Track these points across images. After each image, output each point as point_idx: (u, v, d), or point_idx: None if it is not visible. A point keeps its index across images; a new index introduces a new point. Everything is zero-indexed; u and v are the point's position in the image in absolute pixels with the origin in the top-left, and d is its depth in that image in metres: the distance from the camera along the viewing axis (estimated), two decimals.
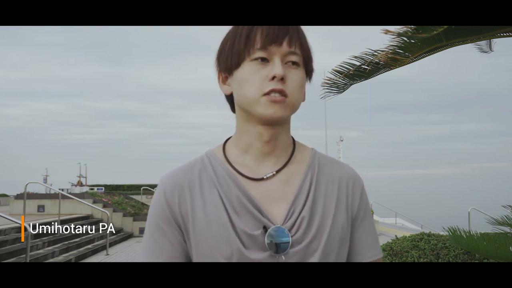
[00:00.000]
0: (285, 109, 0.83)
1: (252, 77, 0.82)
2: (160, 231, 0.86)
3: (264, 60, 0.83)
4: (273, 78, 0.81)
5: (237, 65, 0.84)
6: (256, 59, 0.83)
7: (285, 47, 0.82)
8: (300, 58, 0.85)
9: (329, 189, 0.89)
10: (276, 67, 0.81)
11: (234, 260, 0.81)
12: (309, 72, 0.89)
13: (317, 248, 0.83)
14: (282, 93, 0.81)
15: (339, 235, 0.86)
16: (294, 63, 0.84)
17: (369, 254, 0.91)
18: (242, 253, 0.80)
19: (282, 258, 0.81)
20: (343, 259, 0.87)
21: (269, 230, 0.82)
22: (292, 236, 0.82)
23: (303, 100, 0.90)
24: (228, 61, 0.86)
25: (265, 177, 0.87)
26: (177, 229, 0.86)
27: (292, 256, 0.81)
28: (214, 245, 0.82)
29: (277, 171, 0.88)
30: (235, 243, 0.81)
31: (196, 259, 0.85)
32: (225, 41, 0.87)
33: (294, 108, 0.85)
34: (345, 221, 0.87)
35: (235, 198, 0.85)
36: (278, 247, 0.81)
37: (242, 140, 0.89)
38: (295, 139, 0.95)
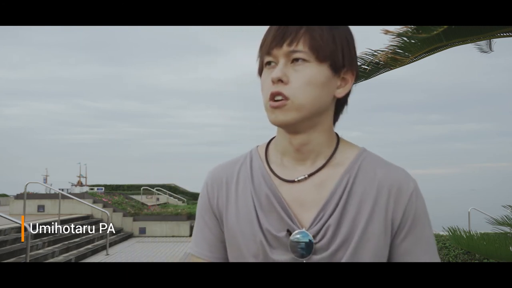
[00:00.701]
0: (286, 112, 0.80)
1: (263, 83, 0.84)
2: (203, 221, 0.92)
3: (271, 63, 0.82)
4: (274, 81, 0.81)
5: (261, 73, 0.86)
6: (265, 64, 0.84)
7: (285, 47, 0.80)
8: (307, 54, 0.79)
9: (365, 195, 0.83)
10: (275, 70, 0.80)
11: (261, 258, 0.82)
12: (337, 63, 0.82)
13: (342, 258, 0.80)
14: (280, 95, 0.79)
15: (371, 246, 0.80)
16: (299, 60, 0.80)
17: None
18: (266, 252, 0.82)
19: (303, 262, 0.80)
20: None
21: (293, 234, 0.81)
22: (316, 243, 0.80)
23: (338, 95, 0.85)
24: (259, 71, 0.87)
25: (296, 179, 0.85)
26: (216, 220, 0.90)
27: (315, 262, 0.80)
28: (242, 241, 0.84)
29: (310, 175, 0.85)
30: (260, 241, 0.82)
31: (228, 250, 0.89)
32: None
33: (303, 109, 0.80)
34: (381, 231, 0.81)
35: (264, 196, 0.85)
36: (301, 251, 0.80)
37: (279, 143, 0.89)
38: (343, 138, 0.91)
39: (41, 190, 14.94)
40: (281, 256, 0.81)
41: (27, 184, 9.70)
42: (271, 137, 0.94)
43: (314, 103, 0.81)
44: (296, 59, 0.80)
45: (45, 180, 21.25)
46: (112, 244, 10.08)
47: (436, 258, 0.85)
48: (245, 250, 0.84)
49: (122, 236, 11.45)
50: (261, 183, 0.87)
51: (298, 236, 0.81)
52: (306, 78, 0.80)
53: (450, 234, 3.00)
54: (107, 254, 8.91)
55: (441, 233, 4.36)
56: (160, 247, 10.14)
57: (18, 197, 12.77)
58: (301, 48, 0.80)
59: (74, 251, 8.49)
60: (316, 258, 0.80)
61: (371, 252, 0.81)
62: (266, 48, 0.82)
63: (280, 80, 0.79)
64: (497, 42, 3.20)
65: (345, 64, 0.83)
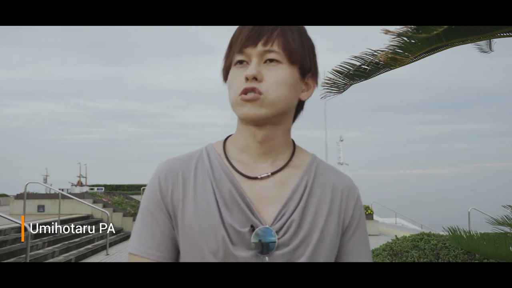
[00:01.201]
0: (259, 106, 0.82)
1: (233, 81, 0.85)
2: (151, 216, 0.87)
3: (243, 62, 0.84)
4: (247, 79, 0.82)
5: (227, 71, 0.88)
6: (236, 63, 0.85)
7: (260, 47, 0.83)
8: (281, 55, 0.83)
9: (322, 196, 0.89)
10: (249, 68, 0.82)
11: (220, 254, 0.81)
12: (304, 67, 0.87)
13: (303, 254, 0.83)
14: (254, 90, 0.82)
15: (328, 243, 0.85)
16: (272, 60, 0.83)
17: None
18: (228, 248, 0.81)
19: (266, 259, 0.81)
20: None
21: (256, 230, 0.82)
22: (279, 238, 0.82)
23: (303, 98, 0.90)
24: (223, 69, 0.90)
25: (259, 177, 0.87)
26: (167, 215, 0.86)
27: (277, 258, 0.82)
28: (201, 237, 0.82)
29: (273, 173, 0.88)
30: (222, 236, 0.81)
31: (183, 248, 0.85)
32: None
33: (274, 106, 0.83)
34: (335, 229, 0.87)
35: (227, 192, 0.85)
36: (263, 247, 0.81)
37: (240, 139, 0.90)
38: (293, 138, 0.94)
39: (41, 190, 14.97)
40: (243, 252, 0.81)
41: (27, 184, 9.69)
42: (225, 137, 0.95)
43: (284, 102, 0.85)
44: (270, 60, 0.83)
45: (45, 180, 21.26)
46: (112, 244, 10.08)
47: (370, 258, 0.94)
48: (204, 246, 0.82)
49: (122, 236, 11.44)
50: (223, 179, 0.87)
51: (259, 238, 0.81)
52: (279, 77, 0.83)
53: (450, 234, 2.99)
54: (107, 254, 8.90)
55: (441, 233, 4.36)
56: None
57: (18, 197, 12.77)
58: (276, 48, 0.83)
59: (74, 251, 8.49)
60: (277, 253, 0.82)
61: (328, 248, 0.86)
62: (239, 47, 0.84)
63: (254, 78, 0.82)
64: (497, 42, 3.21)
65: (311, 69, 0.89)
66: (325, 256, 0.85)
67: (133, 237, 0.88)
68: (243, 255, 0.81)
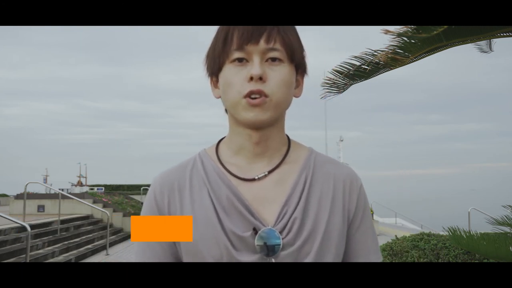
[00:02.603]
0: (266, 110, 0.80)
1: (233, 80, 0.81)
2: None
3: (243, 60, 0.81)
4: (251, 78, 0.79)
5: (219, 68, 0.84)
6: (234, 60, 0.81)
7: (262, 44, 0.80)
8: (283, 53, 0.81)
9: (324, 189, 0.86)
10: (254, 67, 0.79)
11: (224, 261, 0.79)
12: (299, 65, 0.86)
13: (310, 251, 0.80)
14: (261, 93, 0.79)
15: (334, 237, 0.83)
16: (275, 59, 0.81)
17: (369, 258, 0.89)
18: (231, 254, 0.79)
19: (272, 261, 0.79)
20: (338, 260, 0.85)
21: (259, 232, 0.80)
22: (283, 238, 0.80)
23: (297, 95, 0.88)
24: (211, 65, 0.86)
25: (256, 177, 0.85)
26: None
27: (283, 258, 0.80)
28: (202, 246, 0.81)
29: (269, 172, 0.86)
30: (224, 243, 0.79)
31: (186, 258, 0.84)
32: (209, 47, 0.87)
33: (279, 107, 0.82)
34: (340, 222, 0.85)
35: (225, 198, 0.83)
36: (268, 250, 0.79)
37: (234, 141, 0.88)
38: (293, 138, 0.93)
39: (41, 190, 14.95)
40: (248, 257, 0.79)
41: (27, 184, 9.70)
42: (218, 140, 0.93)
43: (286, 103, 0.84)
44: (273, 59, 0.81)
45: (45, 180, 21.24)
46: (112, 244, 10.07)
47: (378, 248, 0.92)
48: (207, 254, 0.80)
49: (122, 236, 11.44)
50: (219, 185, 0.84)
51: (264, 241, 0.79)
52: (282, 77, 0.81)
53: (450, 234, 2.99)
54: (107, 254, 8.90)
55: (441, 233, 4.36)
56: None
57: (18, 197, 12.76)
58: (278, 46, 0.81)
59: (74, 251, 8.48)
60: (283, 254, 0.80)
61: (334, 243, 0.83)
62: (239, 43, 0.80)
63: (259, 78, 0.78)
64: (497, 42, 3.21)
65: (302, 65, 0.87)
66: (333, 250, 0.83)
67: (135, 251, 0.88)
68: (248, 259, 0.79)
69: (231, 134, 0.89)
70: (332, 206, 0.85)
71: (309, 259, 0.80)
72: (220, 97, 0.87)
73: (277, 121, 0.85)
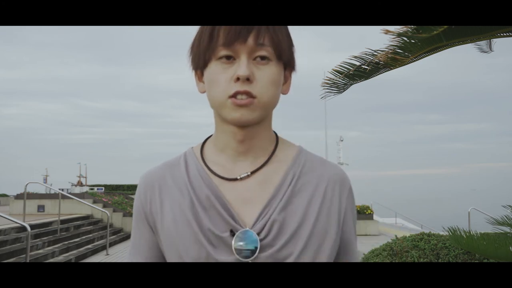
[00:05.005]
0: (253, 111, 0.78)
1: (218, 78, 0.78)
2: (139, 231, 0.88)
3: (230, 58, 0.78)
4: (238, 79, 0.76)
5: (205, 64, 0.81)
6: (221, 57, 0.78)
7: (250, 42, 0.77)
8: (271, 52, 0.79)
9: (313, 190, 0.83)
10: (241, 67, 0.76)
11: (202, 261, 0.78)
12: (287, 63, 0.83)
13: (291, 253, 0.78)
14: (248, 94, 0.77)
15: (324, 238, 0.81)
16: (263, 58, 0.78)
17: (351, 258, 0.88)
18: (210, 254, 0.78)
19: (249, 262, 0.77)
20: (331, 261, 0.83)
21: (236, 233, 0.78)
22: (262, 240, 0.78)
23: (285, 92, 0.86)
24: (196, 60, 0.83)
25: (239, 177, 0.83)
26: (148, 227, 0.87)
27: (263, 259, 0.77)
28: (181, 245, 0.80)
29: (253, 172, 0.83)
30: (202, 243, 0.78)
31: (168, 257, 0.84)
32: (194, 39, 0.84)
33: (266, 108, 0.80)
34: (331, 223, 0.82)
35: (204, 197, 0.81)
36: (245, 251, 0.77)
37: (219, 139, 0.86)
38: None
39: (41, 190, 14.98)
40: (226, 257, 0.78)
41: (27, 184, 9.69)
42: (205, 138, 0.91)
43: (274, 102, 0.82)
44: (261, 57, 0.78)
45: (45, 180, 21.25)
46: (112, 244, 10.08)
47: (356, 242, 0.91)
48: (185, 254, 0.79)
49: (122, 236, 11.44)
50: (200, 184, 0.83)
51: (241, 243, 0.77)
52: (270, 77, 0.79)
53: (450, 234, 3.00)
54: (107, 254, 8.90)
55: (441, 233, 4.36)
56: None
57: (18, 197, 12.77)
58: (267, 45, 0.78)
59: (74, 251, 8.49)
60: (263, 255, 0.77)
61: (328, 244, 0.81)
62: (226, 40, 0.77)
63: (246, 79, 0.76)
64: (497, 42, 3.21)
65: (291, 62, 0.85)
66: (327, 251, 0.81)
67: (128, 252, 0.91)
68: (227, 259, 0.77)
69: (216, 131, 0.87)
70: (321, 207, 0.82)
71: (291, 260, 0.78)
72: (205, 92, 0.85)
73: (263, 119, 0.83)
